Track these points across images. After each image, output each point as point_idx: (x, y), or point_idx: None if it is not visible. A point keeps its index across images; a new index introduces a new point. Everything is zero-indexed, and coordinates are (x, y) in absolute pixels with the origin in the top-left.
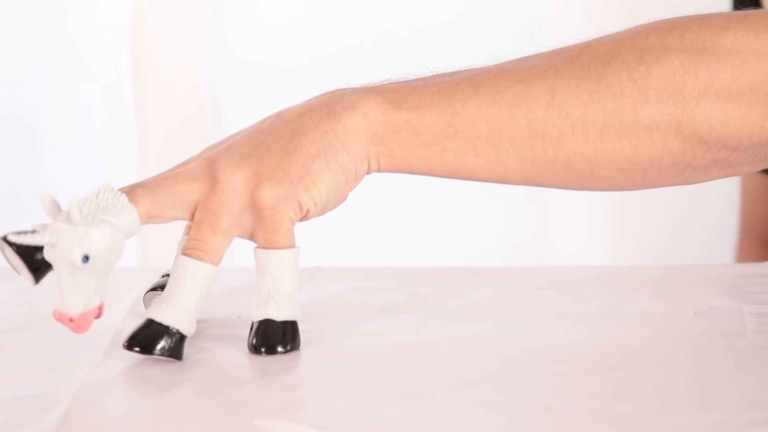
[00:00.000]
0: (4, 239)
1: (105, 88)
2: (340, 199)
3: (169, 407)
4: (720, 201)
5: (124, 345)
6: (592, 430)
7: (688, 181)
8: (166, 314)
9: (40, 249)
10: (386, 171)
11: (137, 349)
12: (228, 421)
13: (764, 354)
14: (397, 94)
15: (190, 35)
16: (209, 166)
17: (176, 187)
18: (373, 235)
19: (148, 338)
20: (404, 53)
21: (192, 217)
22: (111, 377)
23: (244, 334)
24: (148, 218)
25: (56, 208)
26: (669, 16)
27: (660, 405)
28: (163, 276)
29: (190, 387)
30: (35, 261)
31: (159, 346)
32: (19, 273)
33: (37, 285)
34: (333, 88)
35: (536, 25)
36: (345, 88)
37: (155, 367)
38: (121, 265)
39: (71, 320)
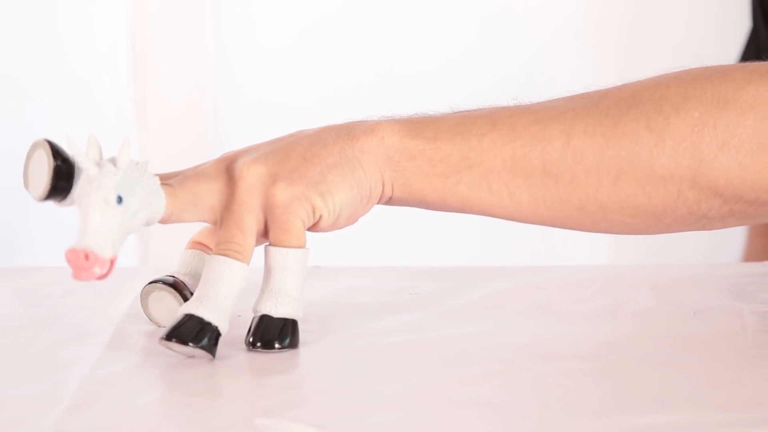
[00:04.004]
0: (47, 141)
1: (105, 89)
2: (353, 216)
3: (169, 407)
4: None
5: (162, 338)
6: (591, 430)
7: (705, 228)
8: (207, 311)
9: (69, 174)
10: (398, 201)
11: (175, 340)
12: (228, 420)
13: (764, 354)
14: (415, 124)
15: (190, 36)
16: (227, 167)
17: (197, 187)
18: (373, 235)
19: (187, 331)
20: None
21: (208, 220)
22: (111, 376)
23: (244, 333)
24: (167, 216)
25: (100, 155)
26: (692, 65)
27: (660, 405)
28: (167, 275)
29: (191, 386)
30: (60, 179)
31: (199, 340)
32: (27, 181)
33: (35, 284)
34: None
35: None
36: (364, 119)
37: (155, 367)
38: (121, 265)
39: (87, 257)
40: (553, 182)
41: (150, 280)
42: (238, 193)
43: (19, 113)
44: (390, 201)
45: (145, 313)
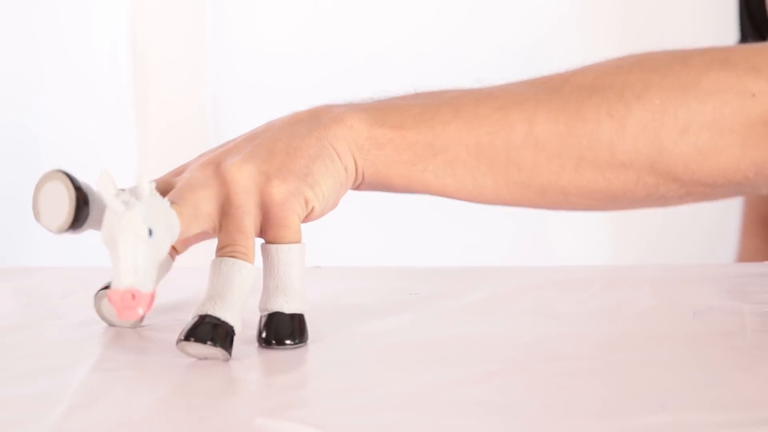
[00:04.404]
0: (63, 172)
1: (105, 88)
2: (334, 203)
3: (169, 407)
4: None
5: (180, 340)
6: (591, 430)
7: (662, 206)
8: (222, 310)
9: (86, 203)
10: (367, 186)
11: (194, 339)
12: (228, 420)
13: (764, 354)
14: (381, 112)
15: (190, 35)
16: (214, 171)
17: (195, 199)
18: (373, 235)
19: (205, 331)
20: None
21: (207, 228)
22: (111, 377)
23: (243, 333)
24: (179, 235)
25: (116, 187)
26: (656, 49)
27: (660, 405)
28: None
29: (191, 387)
30: (81, 211)
31: (217, 339)
32: (39, 213)
33: (35, 284)
34: (319, 104)
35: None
36: (330, 104)
37: (155, 367)
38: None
39: (133, 296)
40: (515, 169)
41: (102, 287)
42: (235, 197)
43: (19, 114)
44: (360, 187)
45: (98, 314)
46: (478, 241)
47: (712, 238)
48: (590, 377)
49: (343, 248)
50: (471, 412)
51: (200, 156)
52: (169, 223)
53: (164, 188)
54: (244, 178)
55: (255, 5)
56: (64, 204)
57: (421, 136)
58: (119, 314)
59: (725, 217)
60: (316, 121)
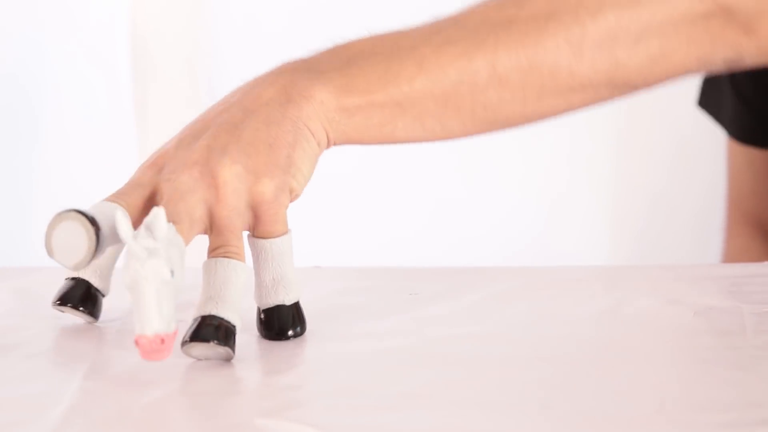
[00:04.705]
0: (79, 211)
1: (105, 88)
2: (310, 178)
3: (169, 407)
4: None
5: (185, 341)
6: (591, 430)
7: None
8: (224, 310)
9: (99, 236)
10: (335, 146)
11: (199, 340)
12: (228, 420)
13: (764, 354)
14: (346, 77)
15: (190, 35)
16: (201, 173)
17: (188, 209)
18: (373, 235)
19: (210, 331)
20: None
21: (200, 232)
22: (110, 377)
23: (241, 334)
24: None
25: (131, 228)
26: None
27: (660, 405)
28: (67, 279)
29: (191, 387)
30: (101, 246)
31: (222, 338)
32: (53, 250)
33: (35, 284)
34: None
35: None
36: (288, 69)
37: (155, 367)
38: (120, 264)
39: (162, 341)
40: (481, 108)
41: (57, 300)
42: (226, 200)
43: (19, 113)
44: (327, 148)
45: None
46: (479, 241)
47: (712, 237)
48: (590, 377)
49: (343, 248)
50: (471, 412)
51: (177, 144)
52: (181, 251)
53: (148, 191)
54: (234, 180)
55: (254, 5)
56: (82, 241)
57: (388, 97)
58: (147, 357)
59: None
60: (286, 98)
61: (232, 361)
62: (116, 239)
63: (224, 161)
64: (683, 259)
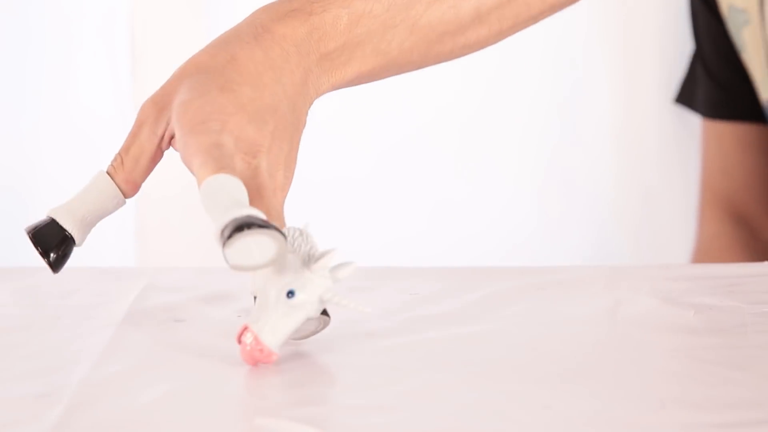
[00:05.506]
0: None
1: (105, 88)
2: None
3: (169, 407)
4: None
5: (229, 235)
6: (592, 430)
7: None
8: (254, 210)
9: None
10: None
11: (246, 228)
12: (228, 420)
13: (764, 353)
14: (328, 48)
15: (190, 35)
16: (252, 167)
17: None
18: (373, 235)
19: (258, 222)
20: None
21: None
22: (111, 376)
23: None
24: None
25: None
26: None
27: (660, 405)
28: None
29: (190, 386)
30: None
31: (267, 224)
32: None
33: (35, 284)
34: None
35: None
36: (275, 33)
37: (155, 367)
38: (120, 264)
39: (261, 351)
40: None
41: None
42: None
43: (18, 113)
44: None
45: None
46: (478, 241)
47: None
48: (590, 377)
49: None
50: (471, 412)
51: (150, 102)
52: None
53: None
54: (264, 173)
55: (254, 5)
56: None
57: (379, 69)
58: (243, 356)
59: None
60: (289, 79)
61: (231, 360)
62: None
63: (261, 155)
64: (683, 260)
